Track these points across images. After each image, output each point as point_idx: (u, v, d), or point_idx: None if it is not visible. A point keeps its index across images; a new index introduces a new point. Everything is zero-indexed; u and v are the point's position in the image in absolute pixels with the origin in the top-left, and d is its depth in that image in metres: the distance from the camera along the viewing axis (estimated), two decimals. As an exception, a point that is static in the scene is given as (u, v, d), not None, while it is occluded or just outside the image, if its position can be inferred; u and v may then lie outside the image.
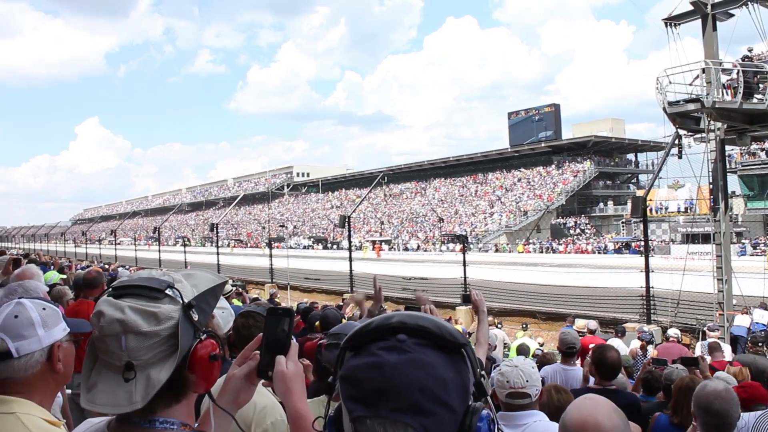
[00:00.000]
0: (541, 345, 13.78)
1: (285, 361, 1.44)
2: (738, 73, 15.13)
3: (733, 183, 45.86)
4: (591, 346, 7.36)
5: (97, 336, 1.28)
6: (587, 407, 1.61)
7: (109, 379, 1.27)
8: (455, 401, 0.97)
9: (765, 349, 10.34)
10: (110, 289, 1.33)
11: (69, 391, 3.28)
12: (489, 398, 1.05)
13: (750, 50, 17.75)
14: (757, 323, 14.37)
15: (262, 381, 1.49)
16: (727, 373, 5.55)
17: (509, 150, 78.67)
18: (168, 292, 1.31)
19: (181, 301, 1.31)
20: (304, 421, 1.43)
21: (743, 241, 45.04)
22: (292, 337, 1.50)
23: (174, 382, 1.29)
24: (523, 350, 10.95)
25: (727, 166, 20.38)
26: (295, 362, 1.46)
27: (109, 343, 1.26)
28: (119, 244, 60.06)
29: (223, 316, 3.17)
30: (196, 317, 1.32)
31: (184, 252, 41.01)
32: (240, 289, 15.24)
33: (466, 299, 3.90)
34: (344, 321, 6.50)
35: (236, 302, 9.71)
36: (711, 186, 16.78)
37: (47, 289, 3.93)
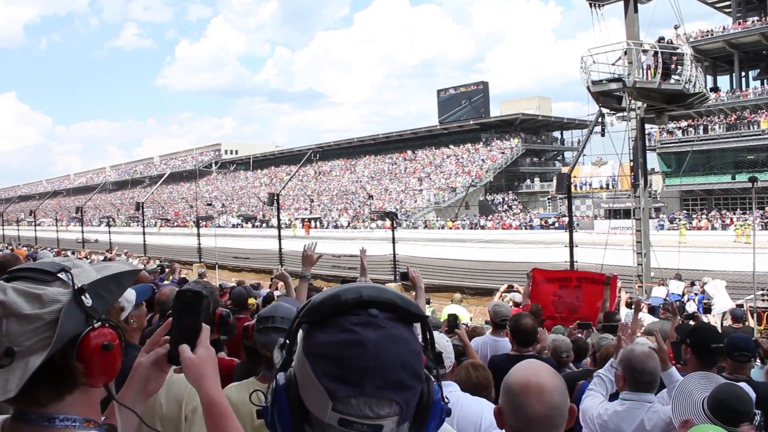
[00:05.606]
0: (470, 319, 13.99)
1: (192, 347, 1.37)
2: (656, 54, 15.64)
3: (653, 160, 47.52)
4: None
5: None
6: (529, 368, 1.71)
7: None
8: (423, 372, 1.01)
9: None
10: (5, 274, 1.25)
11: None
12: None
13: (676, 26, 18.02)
14: (672, 294, 15.05)
15: (174, 367, 1.41)
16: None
17: (438, 127, 79.33)
18: (61, 275, 1.24)
19: (71, 285, 1.23)
20: (219, 408, 1.36)
21: (661, 216, 46.86)
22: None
23: (59, 371, 1.21)
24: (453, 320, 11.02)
25: (647, 144, 21.09)
26: (206, 347, 1.39)
27: None
28: (39, 225, 57.58)
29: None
30: (89, 302, 1.24)
31: (109, 232, 39.55)
32: (166, 269, 14.94)
33: (404, 276, 3.97)
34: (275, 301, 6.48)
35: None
36: (632, 163, 17.34)
37: None
